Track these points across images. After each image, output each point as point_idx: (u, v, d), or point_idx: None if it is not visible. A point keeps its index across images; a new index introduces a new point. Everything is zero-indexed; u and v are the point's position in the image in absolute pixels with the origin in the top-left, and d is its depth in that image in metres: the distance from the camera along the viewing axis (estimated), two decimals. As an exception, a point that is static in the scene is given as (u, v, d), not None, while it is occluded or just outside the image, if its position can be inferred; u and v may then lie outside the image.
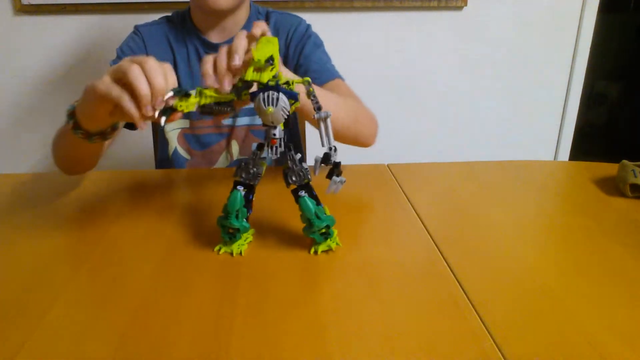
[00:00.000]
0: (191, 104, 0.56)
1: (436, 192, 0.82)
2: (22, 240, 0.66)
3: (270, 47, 0.55)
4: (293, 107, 0.57)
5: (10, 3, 1.45)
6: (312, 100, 0.59)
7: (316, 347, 0.45)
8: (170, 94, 0.55)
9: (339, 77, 0.99)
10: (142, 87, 0.53)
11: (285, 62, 0.99)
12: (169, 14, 1.05)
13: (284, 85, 0.56)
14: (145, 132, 1.14)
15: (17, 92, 1.55)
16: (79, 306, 0.51)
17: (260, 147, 0.59)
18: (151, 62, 0.54)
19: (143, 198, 0.79)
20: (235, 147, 1.04)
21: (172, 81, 0.56)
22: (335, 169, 0.62)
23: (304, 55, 0.99)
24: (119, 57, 1.00)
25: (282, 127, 0.58)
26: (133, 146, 1.57)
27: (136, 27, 1.03)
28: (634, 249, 0.63)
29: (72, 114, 0.63)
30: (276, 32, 1.01)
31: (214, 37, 1.00)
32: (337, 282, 0.56)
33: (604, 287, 0.54)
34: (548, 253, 0.62)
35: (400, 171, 0.90)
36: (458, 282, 0.55)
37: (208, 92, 0.57)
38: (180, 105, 0.55)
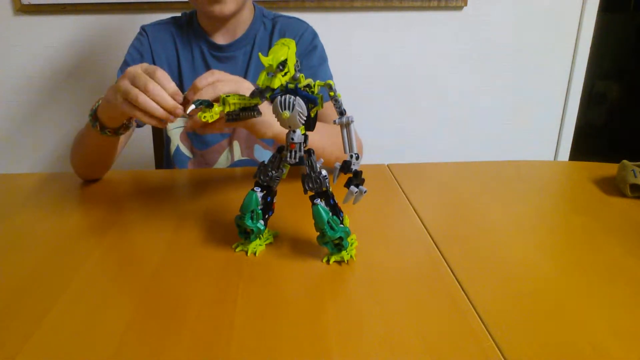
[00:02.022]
0: (215, 113, 0.56)
1: (436, 192, 0.82)
2: (21, 241, 0.66)
3: (284, 50, 0.53)
4: (314, 111, 0.56)
5: (10, 3, 1.45)
6: (334, 104, 0.56)
7: (316, 347, 0.45)
8: (193, 106, 0.55)
9: None
10: (149, 107, 0.60)
11: None
12: (177, 14, 1.06)
13: (305, 89, 0.55)
14: (144, 132, 1.14)
15: (17, 92, 1.55)
16: (79, 306, 0.51)
17: (281, 149, 0.58)
18: (150, 86, 0.60)
19: (144, 198, 0.79)
20: (237, 148, 1.04)
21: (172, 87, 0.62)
22: (354, 178, 0.57)
23: (309, 66, 1.00)
24: (126, 62, 1.01)
25: (303, 132, 0.57)
26: (132, 145, 1.57)
27: (142, 27, 1.03)
28: (634, 249, 0.63)
29: (94, 118, 0.73)
30: (282, 37, 1.02)
31: (219, 39, 1.01)
32: (337, 281, 0.56)
33: (604, 287, 0.54)
34: (548, 253, 0.62)
35: (400, 171, 0.90)
36: (458, 282, 0.55)
37: (232, 100, 0.56)
38: (205, 117, 0.55)
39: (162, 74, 0.62)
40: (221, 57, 1.01)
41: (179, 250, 0.63)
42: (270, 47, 1.01)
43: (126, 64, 1.01)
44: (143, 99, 0.60)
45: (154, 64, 0.99)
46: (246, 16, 1.01)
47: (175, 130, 1.04)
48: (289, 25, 1.04)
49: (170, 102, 0.61)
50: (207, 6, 0.91)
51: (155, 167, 1.22)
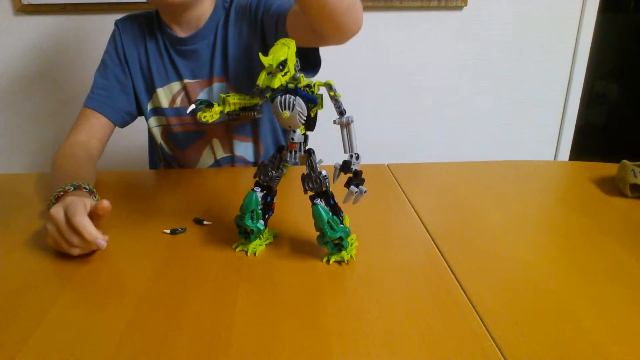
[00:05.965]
0: (215, 112, 0.56)
1: (436, 192, 0.82)
2: (21, 241, 0.66)
3: (284, 50, 0.53)
4: (314, 111, 0.56)
5: (10, 3, 1.45)
6: (334, 104, 0.56)
7: (316, 346, 0.45)
8: (193, 106, 0.55)
9: None
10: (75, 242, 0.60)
11: (264, 40, 0.92)
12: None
13: (305, 89, 0.55)
14: (140, 132, 1.14)
15: (17, 92, 1.55)
16: (79, 306, 0.51)
17: (281, 149, 0.58)
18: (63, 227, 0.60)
19: (144, 198, 0.79)
20: (218, 146, 1.02)
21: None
22: (354, 178, 0.57)
23: (267, 11, 0.91)
24: (104, 63, 0.99)
25: (303, 132, 0.57)
26: (132, 145, 1.57)
27: (116, 23, 1.00)
28: (634, 249, 0.63)
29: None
30: (239, 18, 0.96)
31: (180, 32, 0.96)
32: (337, 281, 0.56)
33: (603, 287, 0.54)
34: (548, 253, 0.62)
35: (400, 171, 0.90)
36: (458, 282, 0.55)
37: (232, 100, 0.56)
38: (205, 116, 0.55)
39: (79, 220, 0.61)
40: (183, 50, 0.96)
41: (179, 250, 0.63)
42: (229, 33, 0.95)
43: (104, 64, 0.98)
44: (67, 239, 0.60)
45: (127, 62, 0.98)
46: (207, 7, 0.95)
47: (156, 129, 1.02)
48: (239, 2, 0.96)
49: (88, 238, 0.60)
50: None
51: (149, 164, 1.21)
